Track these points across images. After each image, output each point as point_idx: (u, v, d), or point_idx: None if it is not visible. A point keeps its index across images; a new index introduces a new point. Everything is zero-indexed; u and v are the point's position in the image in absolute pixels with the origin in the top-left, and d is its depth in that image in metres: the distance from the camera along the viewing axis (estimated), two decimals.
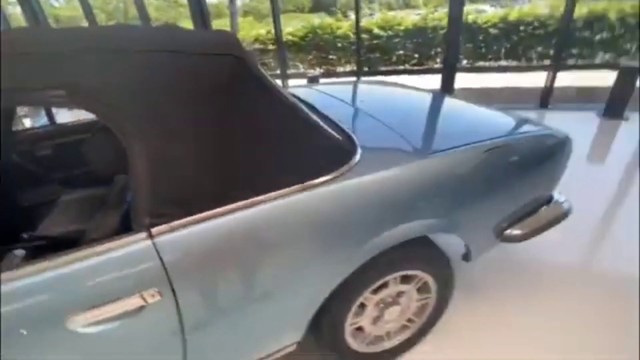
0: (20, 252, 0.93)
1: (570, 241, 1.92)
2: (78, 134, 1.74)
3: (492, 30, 5.94)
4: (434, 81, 4.39)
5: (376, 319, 1.21)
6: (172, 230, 0.76)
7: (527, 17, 5.75)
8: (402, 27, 6.55)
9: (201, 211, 0.78)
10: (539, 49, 5.79)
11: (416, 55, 6.77)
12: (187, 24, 5.38)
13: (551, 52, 5.28)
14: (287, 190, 0.87)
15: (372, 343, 1.27)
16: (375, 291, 1.14)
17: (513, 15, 5.84)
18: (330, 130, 1.00)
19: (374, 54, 6.85)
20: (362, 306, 1.16)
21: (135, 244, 0.73)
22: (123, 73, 0.72)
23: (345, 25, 7.02)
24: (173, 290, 0.76)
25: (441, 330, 1.43)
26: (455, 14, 3.73)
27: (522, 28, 5.76)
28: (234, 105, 0.82)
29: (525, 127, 1.36)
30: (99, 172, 1.53)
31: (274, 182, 0.86)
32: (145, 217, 0.74)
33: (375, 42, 6.71)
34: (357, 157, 0.99)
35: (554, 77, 4.11)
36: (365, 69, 6.40)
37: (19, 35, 0.76)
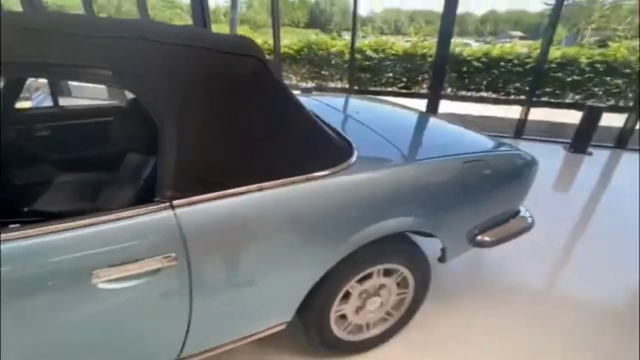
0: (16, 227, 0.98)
1: (534, 259, 2.11)
2: (77, 119, 1.79)
3: (475, 63, 6.37)
4: (419, 105, 4.67)
5: (358, 308, 1.32)
6: (191, 203, 0.85)
7: (508, 54, 6.22)
8: (393, 52, 6.90)
9: (217, 190, 0.88)
10: (517, 84, 6.25)
11: (404, 79, 7.12)
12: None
13: (527, 88, 5.74)
14: (292, 179, 0.98)
15: (353, 332, 1.36)
16: (361, 281, 1.26)
17: (495, 52, 6.30)
18: (331, 132, 1.14)
19: (364, 74, 7.15)
20: (347, 295, 1.26)
21: (158, 212, 0.82)
22: (163, 62, 0.82)
23: (339, 44, 7.32)
24: (187, 258, 0.85)
25: (414, 327, 1.55)
26: (444, 45, 4.03)
27: (502, 64, 6.21)
28: (252, 100, 0.94)
29: (499, 147, 1.55)
30: (96, 156, 1.59)
31: (281, 171, 0.97)
32: (168, 190, 0.84)
33: (367, 63, 7.01)
34: (354, 158, 1.12)
35: (527, 111, 4.46)
36: (355, 87, 6.70)
37: (65, 18, 0.85)
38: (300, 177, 0.99)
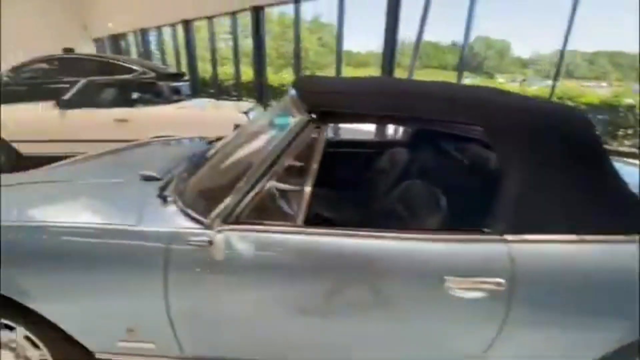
0: None
1: None
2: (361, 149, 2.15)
3: None
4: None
5: None
6: (523, 241, 0.99)
7: None
8: (585, 101, 6.03)
9: (542, 233, 0.99)
10: None
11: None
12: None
13: None
14: (605, 237, 1.01)
15: None
16: None
17: None
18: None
19: None
20: None
21: (494, 243, 0.99)
22: (518, 123, 1.03)
23: (507, 88, 6.94)
24: (513, 287, 0.97)
25: None
26: None
27: None
28: (579, 159, 1.03)
29: None
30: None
31: (591, 227, 1.01)
32: (503, 224, 1.00)
33: None
34: None
35: None
36: None
37: (451, 88, 1.16)
38: (611, 237, 1.01)
